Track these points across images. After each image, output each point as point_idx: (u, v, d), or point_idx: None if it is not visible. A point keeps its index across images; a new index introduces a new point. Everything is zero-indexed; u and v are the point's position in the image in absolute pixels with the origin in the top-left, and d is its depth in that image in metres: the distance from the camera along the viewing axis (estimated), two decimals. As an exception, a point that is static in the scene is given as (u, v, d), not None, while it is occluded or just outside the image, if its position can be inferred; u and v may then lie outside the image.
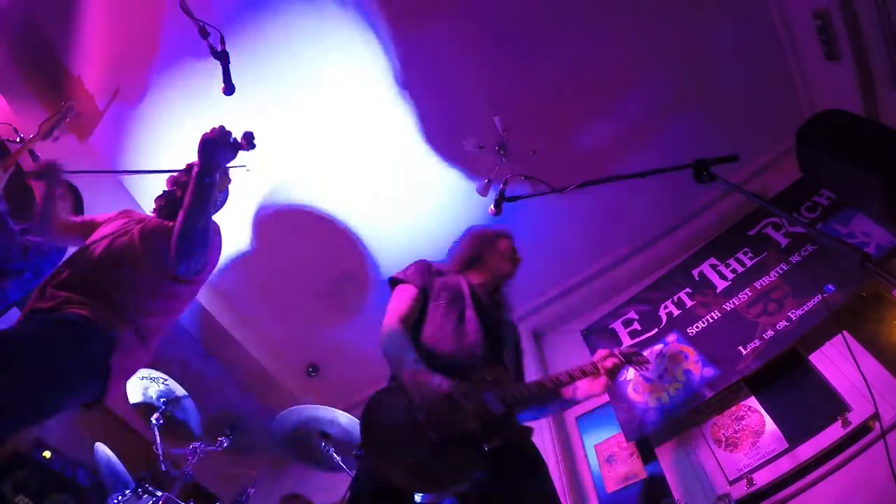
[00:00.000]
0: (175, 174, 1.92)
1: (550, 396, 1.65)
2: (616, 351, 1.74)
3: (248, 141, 1.57)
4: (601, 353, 1.72)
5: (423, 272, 1.71)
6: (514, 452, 1.38)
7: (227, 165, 1.71)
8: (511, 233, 2.04)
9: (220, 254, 1.85)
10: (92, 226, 1.86)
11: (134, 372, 1.64)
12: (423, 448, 1.24)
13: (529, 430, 1.49)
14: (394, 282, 1.70)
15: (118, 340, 1.46)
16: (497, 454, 1.29)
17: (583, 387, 1.65)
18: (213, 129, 1.55)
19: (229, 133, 1.56)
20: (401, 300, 1.59)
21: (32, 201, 2.28)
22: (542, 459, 1.46)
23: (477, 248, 1.93)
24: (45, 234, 1.85)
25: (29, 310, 1.49)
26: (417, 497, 1.19)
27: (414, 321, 1.57)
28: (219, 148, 1.55)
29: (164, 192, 1.90)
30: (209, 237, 1.61)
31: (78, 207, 2.20)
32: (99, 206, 2.18)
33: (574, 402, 1.72)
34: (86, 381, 1.42)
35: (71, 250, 1.83)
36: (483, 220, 3.56)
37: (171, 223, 1.65)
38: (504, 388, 1.45)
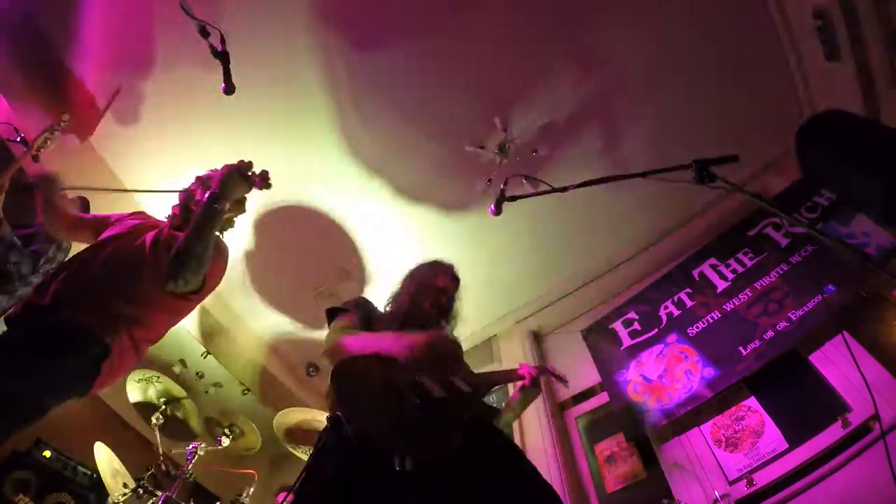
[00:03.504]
0: (191, 187, 1.88)
1: (494, 384, 1.82)
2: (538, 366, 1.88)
3: (263, 180, 1.63)
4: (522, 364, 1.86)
5: (362, 304, 1.75)
6: (487, 429, 1.46)
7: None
8: (450, 268, 1.93)
9: (223, 274, 1.81)
10: (104, 223, 1.83)
11: (123, 374, 1.62)
12: (406, 411, 1.25)
13: (497, 410, 1.60)
14: (332, 312, 1.71)
15: (112, 347, 1.45)
16: (474, 428, 1.33)
17: (514, 395, 1.80)
18: (241, 162, 1.60)
19: (250, 166, 1.61)
20: (341, 320, 1.63)
21: (34, 204, 2.28)
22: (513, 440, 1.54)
23: (411, 288, 1.87)
24: (54, 235, 1.84)
25: (24, 305, 1.48)
26: (397, 466, 1.19)
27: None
28: (238, 179, 1.60)
29: (183, 204, 1.86)
30: (206, 261, 1.57)
31: (85, 212, 2.19)
32: (102, 209, 2.16)
33: (513, 407, 1.80)
34: (75, 383, 1.41)
35: (77, 246, 1.81)
36: (483, 219, 3.58)
37: (181, 235, 1.64)
38: (469, 373, 1.61)
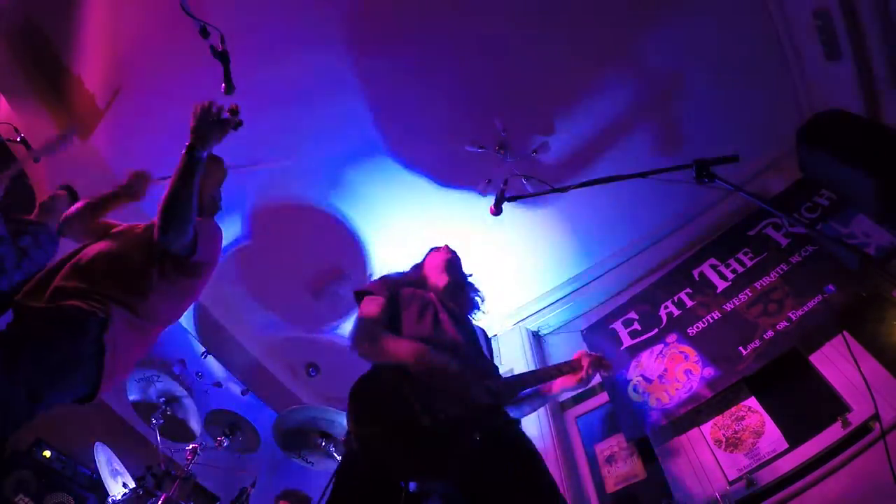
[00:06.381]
0: None
1: (531, 387, 1.73)
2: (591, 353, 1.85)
3: (233, 114, 1.60)
4: (580, 353, 1.82)
5: (388, 284, 1.77)
6: (504, 443, 1.42)
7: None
8: (445, 244, 2.04)
9: (218, 252, 1.84)
10: (106, 229, 1.86)
11: (129, 359, 1.61)
12: (416, 434, 1.24)
13: (517, 422, 1.56)
14: (359, 294, 1.74)
15: (110, 320, 1.46)
16: (488, 444, 1.31)
17: (559, 382, 1.74)
18: (204, 103, 1.57)
19: (219, 108, 1.58)
20: (370, 307, 1.64)
21: (33, 198, 2.29)
22: (536, 450, 1.48)
23: (417, 269, 1.98)
24: (69, 231, 1.84)
25: (22, 304, 1.48)
26: (410, 486, 1.19)
27: (385, 325, 1.61)
28: (211, 122, 1.57)
29: None
30: (191, 209, 1.57)
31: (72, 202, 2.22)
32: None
33: (550, 397, 1.78)
34: (81, 367, 1.41)
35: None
36: (483, 220, 3.58)
37: None
38: (491, 380, 1.54)
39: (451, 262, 1.92)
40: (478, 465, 1.26)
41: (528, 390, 1.73)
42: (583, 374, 1.70)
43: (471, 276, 2.00)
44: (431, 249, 2.03)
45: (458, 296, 1.89)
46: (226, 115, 1.59)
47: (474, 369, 1.50)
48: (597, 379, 3.28)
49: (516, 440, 1.47)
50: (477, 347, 1.74)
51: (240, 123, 1.61)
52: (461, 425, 1.28)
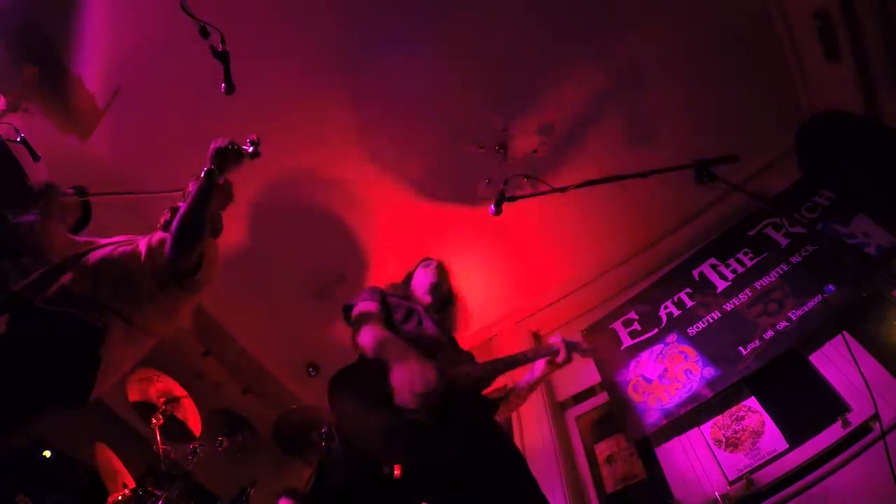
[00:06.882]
0: (188, 189, 1.92)
1: (510, 369, 1.73)
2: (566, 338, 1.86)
3: (255, 147, 1.65)
4: (557, 337, 1.83)
5: (376, 293, 1.83)
6: (485, 433, 1.46)
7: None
8: (433, 260, 2.08)
9: (216, 272, 1.86)
10: (94, 246, 1.85)
11: (121, 370, 1.62)
12: (399, 423, 1.26)
13: (495, 406, 1.59)
14: (348, 308, 1.81)
15: (108, 332, 1.47)
16: (468, 433, 1.34)
17: (539, 365, 1.78)
18: (223, 139, 1.63)
19: (235, 143, 1.65)
20: (368, 305, 1.73)
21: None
22: (514, 443, 1.52)
23: (406, 283, 2.04)
24: (44, 258, 1.81)
25: (16, 299, 1.48)
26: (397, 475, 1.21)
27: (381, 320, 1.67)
28: (228, 155, 1.62)
29: (172, 208, 1.93)
30: (203, 232, 1.63)
31: (83, 223, 2.08)
32: (104, 216, 2.14)
33: (534, 381, 1.80)
34: (74, 377, 1.41)
35: None
36: (482, 220, 3.57)
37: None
38: (468, 367, 1.61)
39: (437, 286, 1.96)
40: (458, 449, 1.28)
41: (518, 383, 1.78)
42: (560, 358, 1.74)
43: (455, 295, 2.04)
44: (422, 263, 2.07)
45: (441, 312, 1.95)
46: (247, 147, 1.64)
47: (453, 360, 1.54)
48: (596, 379, 3.30)
49: (496, 427, 1.52)
50: (456, 346, 1.80)
51: (258, 155, 1.66)
52: (441, 410, 1.30)
